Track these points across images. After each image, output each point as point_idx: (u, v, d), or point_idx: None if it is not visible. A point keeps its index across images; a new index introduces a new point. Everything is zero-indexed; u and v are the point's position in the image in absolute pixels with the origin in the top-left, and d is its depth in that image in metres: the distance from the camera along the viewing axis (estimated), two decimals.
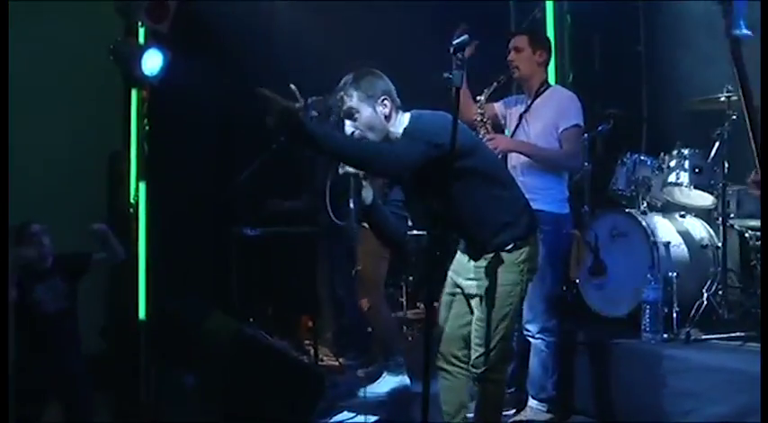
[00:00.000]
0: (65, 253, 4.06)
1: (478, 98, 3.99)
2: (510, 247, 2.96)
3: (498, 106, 4.17)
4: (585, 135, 4.54)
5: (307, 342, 5.33)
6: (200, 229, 5.21)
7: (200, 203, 5.22)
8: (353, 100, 2.86)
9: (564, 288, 4.51)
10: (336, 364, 5.10)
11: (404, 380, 4.58)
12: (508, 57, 4.01)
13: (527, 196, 3.68)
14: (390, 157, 2.78)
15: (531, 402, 3.96)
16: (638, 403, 3.86)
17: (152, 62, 4.79)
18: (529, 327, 3.89)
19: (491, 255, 2.96)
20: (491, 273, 2.94)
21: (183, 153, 5.14)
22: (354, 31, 4.72)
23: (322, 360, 5.11)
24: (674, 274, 4.24)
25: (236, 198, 5.09)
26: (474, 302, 3.03)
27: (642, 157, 4.75)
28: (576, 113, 3.90)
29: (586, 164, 4.82)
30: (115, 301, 5.09)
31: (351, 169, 2.78)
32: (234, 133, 5.26)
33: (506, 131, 4.14)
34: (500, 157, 3.87)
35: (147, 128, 4.96)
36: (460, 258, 3.14)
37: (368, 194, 2.84)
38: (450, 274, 3.16)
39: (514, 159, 3.93)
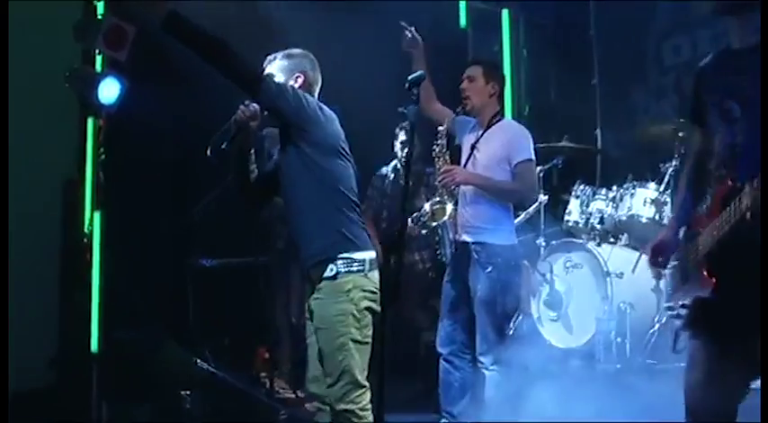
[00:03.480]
0: None
1: (439, 128, 4.01)
2: (331, 274, 2.92)
3: (452, 123, 4.11)
4: (540, 167, 4.61)
5: (263, 374, 5.26)
6: (156, 260, 5.13)
7: (155, 233, 5.15)
8: (274, 68, 3.12)
9: (519, 318, 4.55)
10: (293, 396, 5.04)
11: None
12: (461, 85, 4.04)
13: (476, 226, 3.73)
14: (252, 76, 2.88)
15: None
16: None
17: (109, 90, 4.76)
18: (482, 359, 3.89)
19: (321, 283, 2.95)
20: (322, 303, 2.94)
21: (139, 182, 5.07)
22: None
23: (278, 392, 5.05)
24: (628, 304, 4.30)
25: (193, 228, 5.04)
26: (317, 335, 3.00)
27: (596, 190, 4.85)
28: (528, 147, 3.94)
29: (541, 196, 4.89)
30: (66, 332, 4.98)
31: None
32: (191, 163, 5.22)
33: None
34: (453, 188, 3.90)
35: (102, 156, 4.91)
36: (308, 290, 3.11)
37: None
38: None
39: (464, 187, 3.95)
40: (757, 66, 2.14)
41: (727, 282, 2.16)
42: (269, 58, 3.17)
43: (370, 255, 2.98)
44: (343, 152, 3.05)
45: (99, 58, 4.93)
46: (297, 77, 3.11)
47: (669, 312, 2.42)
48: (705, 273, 2.21)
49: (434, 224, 3.87)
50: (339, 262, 2.92)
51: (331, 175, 2.99)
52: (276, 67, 3.12)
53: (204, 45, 2.76)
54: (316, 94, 3.16)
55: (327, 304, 2.94)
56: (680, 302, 2.33)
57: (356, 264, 2.93)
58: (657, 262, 2.47)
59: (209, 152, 3.01)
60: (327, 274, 2.92)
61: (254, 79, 2.87)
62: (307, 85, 3.11)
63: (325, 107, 3.06)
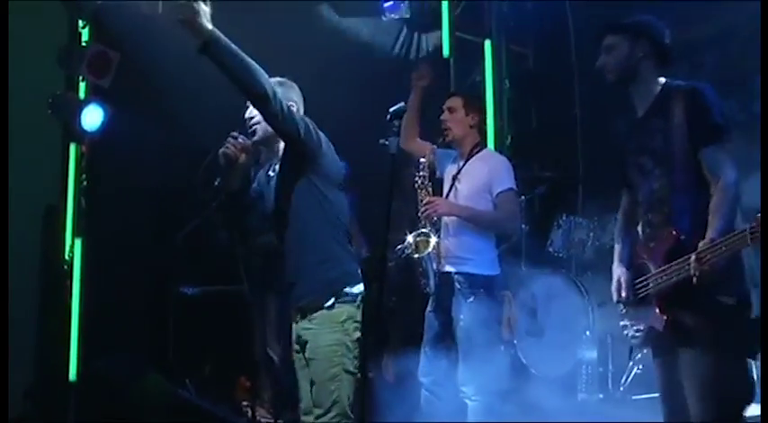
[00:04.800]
0: None
1: (421, 160, 4.03)
2: (327, 305, 2.91)
3: (433, 156, 4.13)
4: (523, 197, 4.63)
5: (244, 403, 5.22)
6: (137, 288, 5.10)
7: (137, 261, 5.12)
8: None
9: (501, 348, 4.54)
10: None
11: None
12: (441, 117, 4.06)
13: (458, 257, 3.73)
14: (286, 108, 2.83)
15: None
16: None
17: (92, 117, 4.76)
18: (464, 389, 3.88)
19: (315, 313, 2.93)
20: (316, 333, 2.92)
21: (120, 209, 5.05)
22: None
23: (260, 421, 5.00)
24: (609, 334, 4.32)
25: (175, 256, 5.01)
26: (309, 365, 2.98)
27: (578, 220, 4.88)
28: (510, 177, 3.96)
29: (524, 226, 4.90)
30: (44, 360, 4.92)
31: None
32: (173, 190, 5.21)
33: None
34: (436, 219, 3.91)
35: (84, 183, 4.90)
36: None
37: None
38: (293, 339, 3.08)
39: (447, 218, 3.97)
40: (657, 126, 2.66)
41: (678, 320, 2.58)
42: None
43: (361, 287, 2.98)
44: (342, 183, 3.03)
45: (82, 85, 4.93)
46: (290, 106, 3.03)
47: (624, 330, 2.83)
48: (657, 309, 2.62)
49: (418, 256, 3.88)
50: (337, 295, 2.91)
51: (335, 208, 2.97)
52: None
53: (240, 73, 2.67)
54: None
55: (321, 334, 2.91)
56: (634, 327, 2.77)
57: (350, 296, 2.92)
58: (622, 299, 2.85)
59: (199, 187, 2.96)
60: (326, 304, 2.90)
61: (284, 111, 2.80)
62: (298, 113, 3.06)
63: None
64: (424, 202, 3.90)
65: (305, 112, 3.13)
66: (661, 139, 2.65)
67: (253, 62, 2.69)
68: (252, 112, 3.01)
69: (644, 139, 2.73)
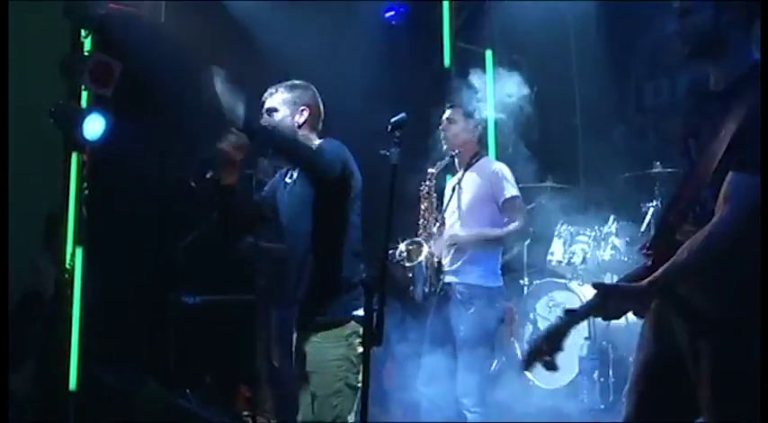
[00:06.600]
0: None
1: (430, 170, 4.03)
2: (335, 320, 2.91)
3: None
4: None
5: (245, 413, 5.21)
6: (138, 297, 5.09)
7: (138, 270, 5.12)
8: (277, 100, 3.05)
9: (502, 359, 4.54)
10: None
11: None
12: (440, 127, 4.07)
13: (459, 267, 3.73)
14: (328, 157, 2.89)
15: None
16: None
17: (94, 126, 4.75)
18: (464, 400, 3.87)
19: (319, 328, 2.93)
20: (320, 347, 2.92)
21: (122, 218, 5.05)
22: None
23: None
24: (611, 344, 4.31)
25: (176, 265, 5.01)
26: (311, 379, 2.97)
27: (578, 229, 4.88)
28: (512, 183, 3.96)
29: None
30: (44, 370, 4.91)
31: None
32: (175, 199, 5.21)
33: None
34: (435, 229, 3.92)
35: (86, 191, 4.89)
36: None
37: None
38: (293, 348, 3.07)
39: (449, 230, 3.97)
40: (721, 111, 2.11)
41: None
42: (270, 90, 3.08)
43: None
44: (357, 195, 3.01)
45: (85, 94, 4.93)
46: (302, 110, 3.04)
47: None
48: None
49: (409, 264, 3.88)
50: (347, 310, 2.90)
51: (357, 228, 2.96)
52: (279, 100, 3.04)
53: (286, 153, 2.92)
54: (320, 127, 3.10)
55: (326, 348, 2.90)
56: None
57: (356, 311, 2.88)
58: None
59: (192, 179, 2.92)
60: (335, 320, 2.90)
61: (326, 168, 2.86)
62: (311, 118, 3.05)
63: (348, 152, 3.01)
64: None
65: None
66: (714, 128, 2.10)
67: (292, 138, 2.93)
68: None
69: (701, 119, 2.19)
